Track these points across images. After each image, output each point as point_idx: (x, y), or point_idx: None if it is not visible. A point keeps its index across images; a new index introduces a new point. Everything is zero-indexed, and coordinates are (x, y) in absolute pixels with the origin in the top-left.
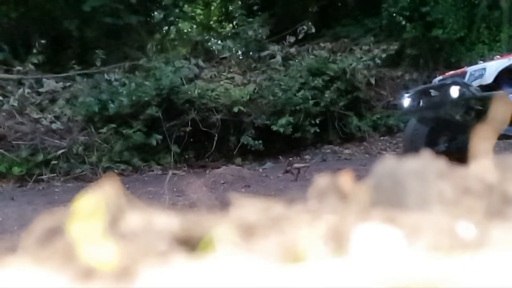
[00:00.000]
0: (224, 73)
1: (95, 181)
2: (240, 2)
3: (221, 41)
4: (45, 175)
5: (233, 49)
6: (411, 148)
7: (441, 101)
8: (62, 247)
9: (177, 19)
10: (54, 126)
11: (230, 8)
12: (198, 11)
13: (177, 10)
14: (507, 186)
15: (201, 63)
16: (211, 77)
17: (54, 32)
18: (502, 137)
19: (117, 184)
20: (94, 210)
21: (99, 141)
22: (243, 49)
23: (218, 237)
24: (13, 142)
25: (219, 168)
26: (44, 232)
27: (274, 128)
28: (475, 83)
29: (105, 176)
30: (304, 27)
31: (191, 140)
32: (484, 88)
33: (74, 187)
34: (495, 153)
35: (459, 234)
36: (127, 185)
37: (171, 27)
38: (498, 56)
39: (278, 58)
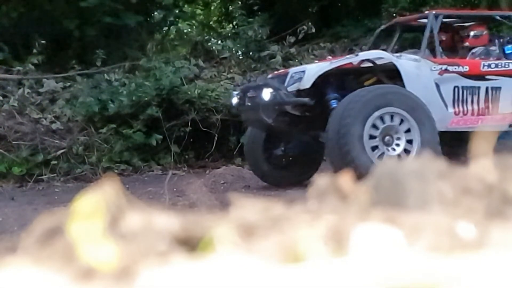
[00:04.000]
0: (224, 73)
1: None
2: (240, 2)
3: (221, 41)
4: (45, 175)
5: (233, 49)
6: (250, 153)
7: (256, 103)
8: (62, 247)
9: (177, 19)
10: (54, 126)
11: (230, 8)
12: (198, 11)
13: (177, 10)
14: (507, 186)
15: (201, 63)
16: (211, 77)
17: (54, 32)
18: None
19: (117, 184)
20: (94, 210)
21: (99, 141)
22: (243, 49)
23: (218, 237)
24: (13, 142)
25: (219, 168)
26: (44, 232)
27: None
28: (294, 87)
29: (105, 176)
30: (304, 27)
31: (191, 140)
32: (303, 92)
33: (74, 187)
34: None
35: (459, 234)
36: (127, 185)
37: (171, 27)
38: (329, 57)
39: (278, 58)
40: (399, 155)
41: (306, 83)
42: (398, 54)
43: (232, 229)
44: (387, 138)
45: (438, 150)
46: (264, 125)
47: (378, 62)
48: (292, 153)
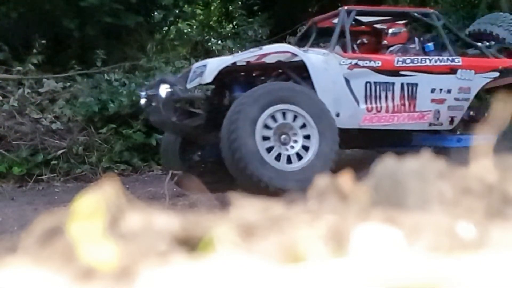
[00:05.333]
0: None
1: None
2: (240, 2)
3: (221, 41)
4: (45, 175)
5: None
6: (165, 159)
7: (156, 101)
8: (62, 247)
9: (177, 19)
10: (54, 126)
11: (230, 8)
12: (198, 11)
13: (177, 10)
14: (507, 186)
15: None
16: None
17: (54, 32)
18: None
19: (117, 184)
20: (94, 210)
21: (99, 141)
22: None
23: (218, 237)
24: (13, 142)
25: None
26: (44, 232)
27: None
28: (195, 82)
29: (105, 176)
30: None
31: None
32: (203, 88)
33: (74, 187)
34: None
35: (459, 234)
36: (127, 185)
37: (171, 27)
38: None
39: None
40: (297, 153)
41: (207, 78)
42: (305, 49)
43: (232, 229)
44: (283, 137)
45: (336, 144)
46: (168, 125)
47: (284, 56)
48: (210, 158)
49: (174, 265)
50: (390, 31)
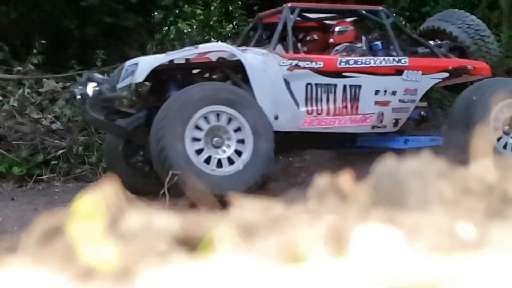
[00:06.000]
0: None
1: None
2: (240, 2)
3: (221, 41)
4: (45, 175)
5: None
6: (109, 159)
7: (83, 99)
8: (62, 247)
9: (177, 19)
10: (54, 126)
11: (230, 8)
12: (198, 11)
13: (177, 10)
14: (507, 186)
15: None
16: None
17: (54, 32)
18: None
19: (117, 184)
20: (94, 210)
21: (99, 141)
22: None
23: (218, 237)
24: (13, 142)
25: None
26: (44, 232)
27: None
28: (126, 81)
29: (105, 176)
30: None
31: None
32: (136, 87)
33: (74, 187)
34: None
35: (459, 234)
36: None
37: (171, 27)
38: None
39: None
40: (229, 158)
41: (139, 77)
42: (243, 48)
43: (232, 229)
44: (215, 139)
45: (271, 151)
46: (103, 126)
47: (221, 55)
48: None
49: (174, 265)
50: (337, 29)
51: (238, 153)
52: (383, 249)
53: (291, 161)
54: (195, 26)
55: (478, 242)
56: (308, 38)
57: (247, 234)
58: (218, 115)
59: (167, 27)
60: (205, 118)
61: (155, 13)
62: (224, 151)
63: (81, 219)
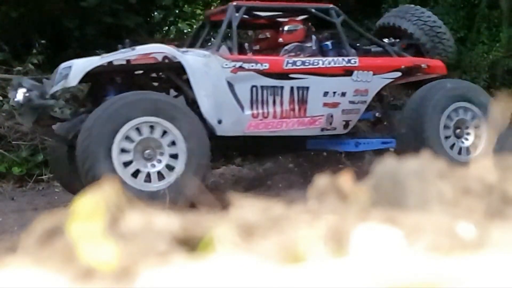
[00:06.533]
0: None
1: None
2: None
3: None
4: (45, 175)
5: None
6: (54, 163)
7: (16, 105)
8: (62, 247)
9: (177, 19)
10: (54, 126)
11: None
12: (198, 11)
13: (177, 10)
14: (507, 186)
15: None
16: None
17: (54, 32)
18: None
19: (117, 184)
20: (94, 210)
21: None
22: None
23: (218, 237)
24: (13, 142)
25: (219, 168)
26: (44, 232)
27: None
28: (60, 85)
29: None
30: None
31: None
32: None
33: None
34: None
35: (459, 234)
36: None
37: (171, 27)
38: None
39: None
40: (159, 172)
41: (72, 81)
42: (185, 49)
43: (232, 229)
44: (147, 152)
45: (205, 168)
46: (41, 131)
47: (160, 57)
48: None
49: (174, 265)
50: (286, 28)
51: (170, 168)
52: (383, 249)
53: (290, 161)
54: (195, 26)
55: (478, 242)
56: (260, 36)
57: (247, 234)
58: (152, 127)
59: (167, 27)
60: (137, 129)
61: (155, 13)
62: (154, 165)
63: (81, 219)
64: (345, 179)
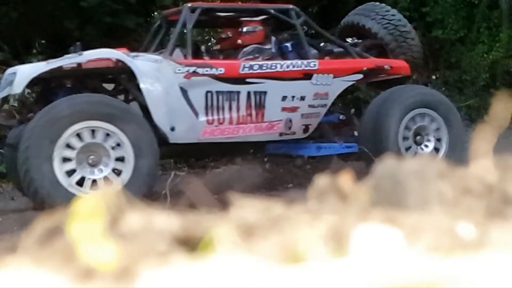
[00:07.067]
0: None
1: None
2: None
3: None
4: None
5: None
6: (9, 169)
7: None
8: (62, 247)
9: None
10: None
11: None
12: None
13: None
14: (507, 186)
15: None
16: None
17: (54, 32)
18: None
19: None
20: (94, 210)
21: None
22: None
23: (218, 237)
24: None
25: (219, 168)
26: (44, 232)
27: None
28: (5, 92)
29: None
30: (304, 27)
31: None
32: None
33: None
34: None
35: (459, 234)
36: None
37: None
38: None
39: None
40: (106, 178)
41: (17, 88)
42: (135, 54)
43: (232, 229)
44: (92, 157)
45: (154, 170)
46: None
47: (108, 62)
48: None
49: (174, 265)
50: (244, 29)
51: (117, 172)
52: (383, 249)
53: (290, 162)
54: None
55: (478, 242)
56: (222, 35)
57: (247, 234)
58: (93, 131)
59: None
60: (78, 135)
61: (155, 13)
62: (101, 171)
63: (81, 219)
64: (345, 179)
